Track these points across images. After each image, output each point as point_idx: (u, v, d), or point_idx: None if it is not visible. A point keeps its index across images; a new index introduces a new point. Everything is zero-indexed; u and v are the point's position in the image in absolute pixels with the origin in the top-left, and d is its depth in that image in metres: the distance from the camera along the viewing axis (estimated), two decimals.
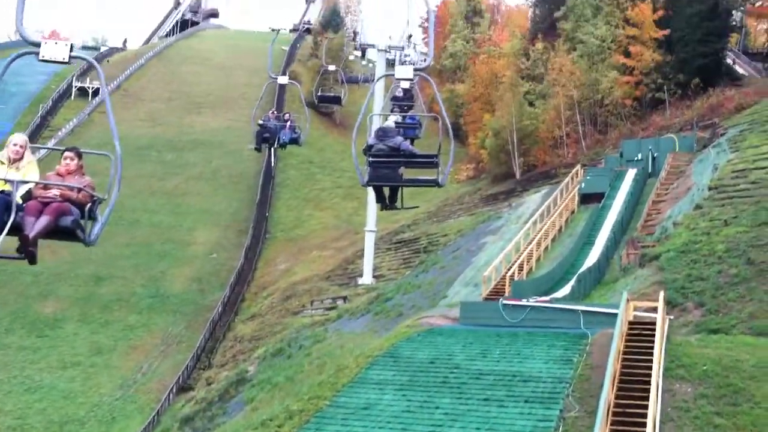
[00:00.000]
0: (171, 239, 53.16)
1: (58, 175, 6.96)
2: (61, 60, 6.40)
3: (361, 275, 42.45)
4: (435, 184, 10.52)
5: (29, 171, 6.84)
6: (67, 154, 7.14)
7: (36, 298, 45.17)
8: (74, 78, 77.98)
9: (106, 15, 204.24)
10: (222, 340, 41.05)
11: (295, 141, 20.76)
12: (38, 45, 6.43)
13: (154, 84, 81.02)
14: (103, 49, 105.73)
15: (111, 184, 6.74)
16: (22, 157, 6.85)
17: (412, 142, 21.97)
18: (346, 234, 53.37)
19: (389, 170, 10.50)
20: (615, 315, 19.21)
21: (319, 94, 43.04)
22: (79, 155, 7.15)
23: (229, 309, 44.85)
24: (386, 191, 11.25)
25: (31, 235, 6.21)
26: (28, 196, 6.59)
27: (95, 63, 6.88)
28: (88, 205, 6.74)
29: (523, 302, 22.99)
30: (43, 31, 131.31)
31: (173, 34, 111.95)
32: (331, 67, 41.85)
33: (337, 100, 44.06)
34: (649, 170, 38.55)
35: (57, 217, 6.39)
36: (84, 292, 46.38)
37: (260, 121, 20.43)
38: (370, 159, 10.42)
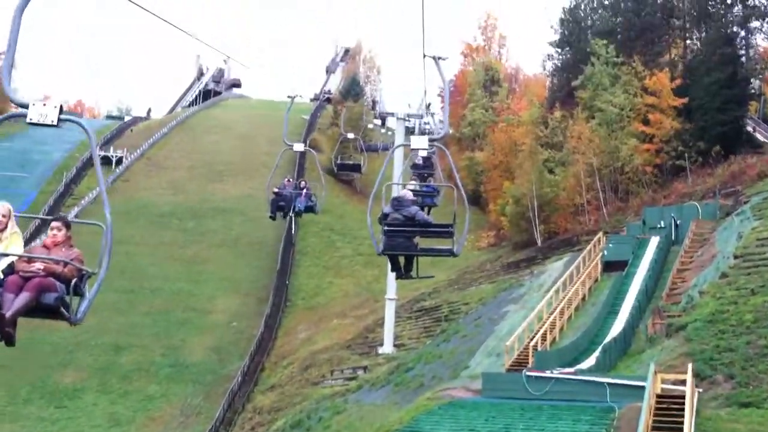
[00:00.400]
0: (191, 307, 53.08)
1: (44, 247, 6.53)
2: (50, 123, 5.96)
3: (381, 344, 42.01)
4: (450, 253, 10.58)
5: (12, 243, 6.41)
6: (54, 224, 6.69)
7: (55, 367, 44.99)
8: (98, 147, 79.11)
9: (132, 85, 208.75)
10: (241, 412, 40.53)
11: (311, 209, 20.24)
12: (26, 107, 6.00)
13: (177, 153, 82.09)
14: (127, 118, 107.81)
15: (101, 255, 6.26)
16: (5, 227, 6.43)
17: (429, 211, 21.90)
18: (366, 302, 53.08)
19: (404, 239, 10.54)
20: (642, 388, 18.79)
21: (338, 162, 43.36)
22: (68, 225, 6.71)
23: (248, 379, 44.38)
24: (402, 260, 11.20)
25: (8, 314, 5.73)
26: (10, 270, 6.12)
27: (85, 126, 6.42)
28: (74, 280, 6.20)
29: (547, 374, 22.60)
30: (68, 101, 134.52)
31: (196, 104, 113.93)
32: (350, 135, 42.35)
33: (356, 168, 44.39)
34: (673, 238, 38.20)
35: (38, 293, 5.92)
36: (103, 361, 46.17)
37: (275, 189, 19.88)
38: (386, 228, 10.48)
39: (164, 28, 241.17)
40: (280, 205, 19.59)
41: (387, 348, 41.09)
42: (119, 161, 77.41)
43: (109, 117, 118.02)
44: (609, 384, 20.73)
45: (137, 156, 79.09)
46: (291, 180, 20.72)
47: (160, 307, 52.53)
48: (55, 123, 5.98)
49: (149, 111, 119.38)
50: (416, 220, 10.51)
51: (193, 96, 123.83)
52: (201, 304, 53.59)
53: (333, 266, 60.86)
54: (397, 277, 11.97)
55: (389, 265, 11.73)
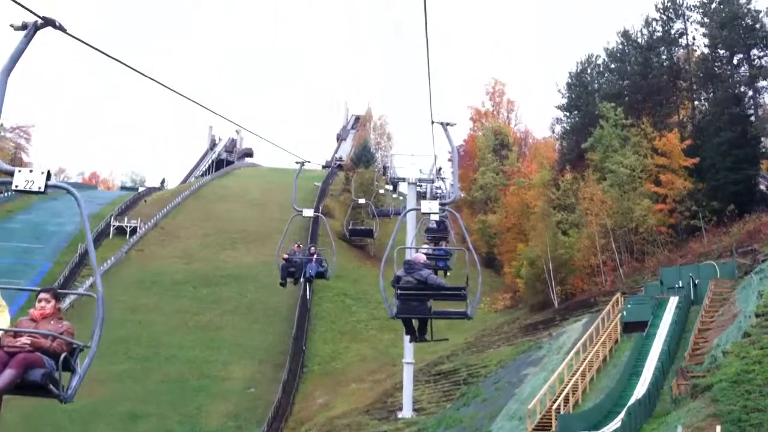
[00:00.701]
0: (207, 374, 52.81)
1: (32, 320, 6.14)
2: (37, 189, 5.71)
3: (400, 409, 41.61)
4: (464, 316, 10.45)
5: None
6: (42, 295, 6.27)
7: None
8: (112, 218, 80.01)
9: (146, 157, 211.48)
10: None
11: (322, 275, 19.86)
12: (12, 173, 5.76)
13: (190, 221, 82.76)
14: (141, 189, 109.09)
15: (93, 328, 5.94)
16: None
17: (445, 274, 21.96)
18: (383, 366, 52.75)
19: (417, 303, 10.55)
20: None
21: (350, 227, 43.57)
22: (57, 297, 6.32)
23: None
24: (415, 323, 11.21)
25: None
26: None
27: (73, 192, 5.96)
28: (64, 355, 5.89)
29: None
30: (84, 173, 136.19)
31: (209, 174, 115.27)
32: (362, 201, 42.77)
33: (368, 233, 44.54)
34: (692, 297, 38.08)
35: (24, 370, 5.61)
36: (120, 430, 45.77)
37: (285, 255, 19.47)
38: (398, 292, 10.47)
39: (177, 101, 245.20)
40: (291, 271, 19.22)
41: (406, 412, 40.69)
42: (133, 231, 78.06)
43: (124, 188, 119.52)
44: None
45: (151, 225, 79.77)
46: (301, 246, 20.37)
47: (176, 375, 52.30)
48: (42, 189, 5.75)
49: (163, 181, 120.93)
50: (428, 283, 10.49)
51: (206, 166, 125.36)
52: (217, 370, 53.33)
53: (349, 331, 60.69)
54: (411, 341, 11.94)
55: (404, 329, 11.73)
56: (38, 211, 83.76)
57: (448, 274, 21.89)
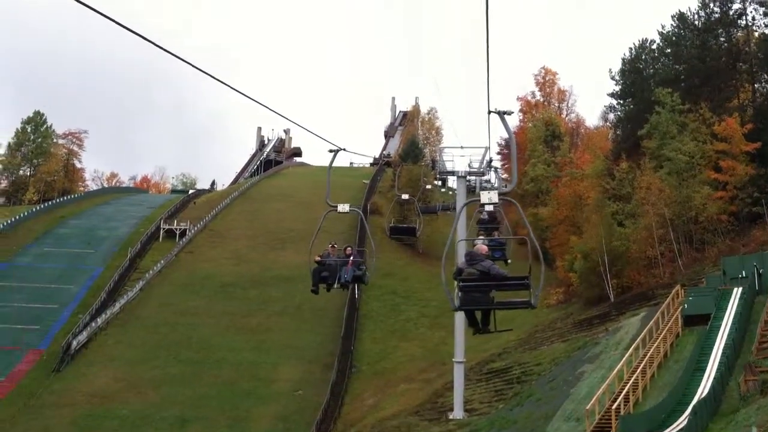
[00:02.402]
0: (256, 377, 52.20)
1: None
2: None
3: (451, 409, 40.20)
4: (528, 305, 10.42)
5: None
6: None
7: None
8: (162, 221, 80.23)
9: (197, 160, 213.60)
10: None
11: (359, 279, 16.87)
12: None
13: (239, 222, 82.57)
14: (191, 192, 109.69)
15: None
16: None
17: (506, 264, 20.95)
18: (433, 365, 51.43)
19: (480, 294, 10.53)
20: None
21: (391, 225, 41.50)
22: None
23: None
24: (478, 315, 11.16)
25: None
26: None
27: None
28: None
29: None
30: (135, 177, 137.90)
31: (258, 174, 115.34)
32: (405, 196, 40.99)
33: (411, 231, 42.36)
34: (756, 288, 35.94)
35: None
36: None
37: (317, 258, 16.79)
38: (461, 284, 10.42)
39: (228, 102, 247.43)
40: (323, 275, 16.65)
41: (458, 413, 39.28)
42: (183, 233, 78.10)
43: (174, 191, 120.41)
44: None
45: (200, 228, 79.78)
46: (336, 246, 17.51)
47: (225, 378, 51.81)
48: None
49: (213, 183, 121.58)
50: (491, 274, 10.43)
51: (255, 166, 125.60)
52: (266, 373, 52.69)
53: (398, 330, 59.53)
54: (475, 333, 11.69)
55: (460, 325, 11.40)
56: (90, 216, 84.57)
57: (508, 262, 21.16)
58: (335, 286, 16.44)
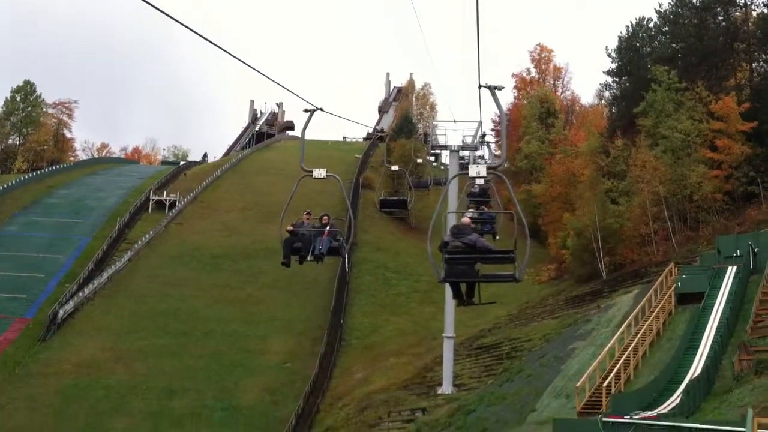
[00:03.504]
0: (244, 349, 51.79)
1: None
2: None
3: (440, 384, 40.01)
4: (512, 279, 10.58)
5: None
6: None
7: (107, 413, 43.85)
8: (152, 192, 79.43)
9: (189, 132, 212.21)
10: None
11: (335, 251, 15.34)
12: None
13: (230, 195, 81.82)
14: (182, 163, 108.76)
15: None
16: None
17: (494, 238, 20.63)
18: (423, 340, 51.16)
19: (465, 266, 10.61)
20: None
21: (381, 198, 40.66)
22: None
23: (303, 421, 42.70)
24: (463, 287, 11.23)
25: None
26: None
27: None
28: None
29: (626, 419, 20.30)
30: (126, 148, 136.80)
31: (250, 147, 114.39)
32: (394, 168, 40.13)
33: (401, 203, 41.49)
34: (751, 267, 35.61)
35: None
36: (156, 405, 44.93)
37: (290, 227, 15.25)
38: (446, 256, 10.56)
39: (221, 75, 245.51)
40: (296, 247, 15.10)
41: (446, 388, 39.09)
42: (172, 205, 77.32)
43: (165, 162, 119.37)
44: (698, 430, 18.38)
45: (190, 199, 79.00)
46: (311, 214, 15.93)
47: (213, 349, 51.39)
48: None
49: (205, 156, 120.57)
50: (477, 246, 10.55)
51: (247, 139, 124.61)
52: (254, 345, 52.30)
53: (389, 304, 59.15)
54: (459, 305, 11.91)
55: (450, 293, 11.62)
56: (79, 186, 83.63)
57: (497, 238, 20.89)
58: (308, 258, 14.93)
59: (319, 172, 14.91)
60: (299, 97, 15.45)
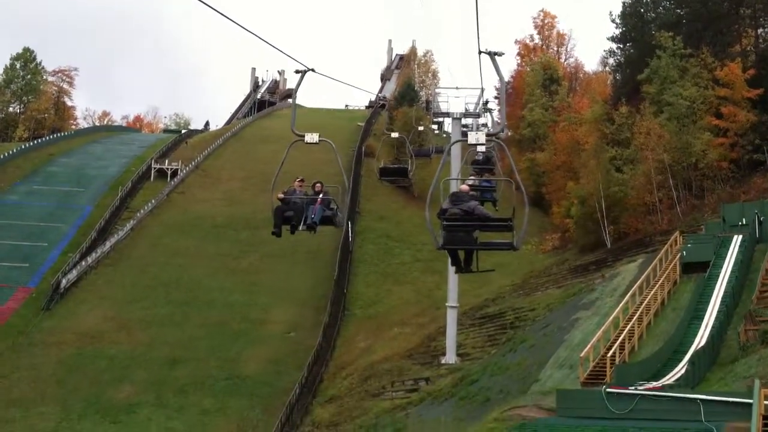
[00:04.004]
0: (247, 318, 51.82)
1: None
2: None
3: (444, 354, 40.01)
4: (510, 247, 10.54)
5: None
6: None
7: (110, 382, 44.00)
8: (153, 160, 79.05)
9: (191, 100, 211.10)
10: (299, 426, 38.87)
11: (329, 220, 14.59)
12: None
13: (231, 163, 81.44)
14: (183, 132, 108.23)
15: None
16: None
17: (494, 206, 20.40)
18: (427, 309, 51.09)
19: (464, 234, 10.62)
20: (742, 405, 16.43)
21: (381, 166, 40.14)
22: None
23: (306, 391, 42.76)
24: (461, 255, 11.26)
25: None
26: None
27: None
28: None
29: (631, 390, 20.12)
30: (128, 116, 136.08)
31: (252, 115, 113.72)
32: (394, 134, 39.55)
33: (402, 171, 40.86)
34: (756, 235, 35.33)
35: None
36: (159, 375, 45.06)
37: (281, 195, 14.70)
38: (444, 223, 10.55)
39: (224, 42, 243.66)
40: (287, 216, 14.41)
41: (450, 358, 39.08)
42: (174, 173, 77.02)
43: (167, 131, 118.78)
44: (703, 401, 18.19)
45: (192, 168, 78.67)
46: (304, 182, 15.29)
47: (216, 319, 51.40)
48: None
49: (207, 124, 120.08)
50: (475, 214, 10.52)
51: (248, 108, 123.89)
52: (257, 315, 52.31)
53: (392, 273, 59.00)
54: (457, 272, 11.86)
55: (449, 260, 11.63)
56: (80, 154, 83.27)
57: (497, 208, 20.56)
58: (300, 227, 14.29)
59: (312, 137, 13.99)
60: (293, 59, 15.05)
